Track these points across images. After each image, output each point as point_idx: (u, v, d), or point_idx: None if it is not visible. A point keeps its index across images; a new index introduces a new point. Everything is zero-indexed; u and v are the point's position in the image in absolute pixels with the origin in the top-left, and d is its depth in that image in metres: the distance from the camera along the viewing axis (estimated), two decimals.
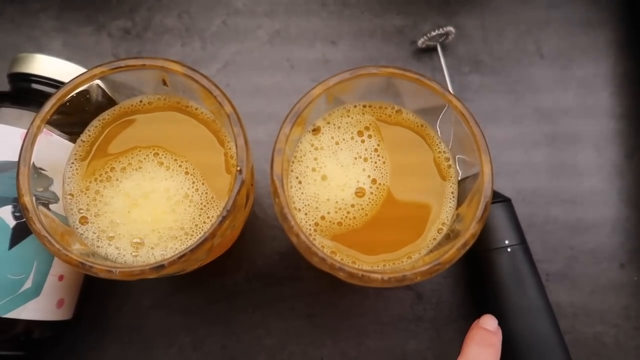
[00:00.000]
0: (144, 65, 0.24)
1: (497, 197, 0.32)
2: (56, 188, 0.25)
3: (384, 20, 0.38)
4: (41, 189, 0.24)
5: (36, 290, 0.27)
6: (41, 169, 0.24)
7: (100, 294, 0.33)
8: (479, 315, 0.33)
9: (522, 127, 0.36)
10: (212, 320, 0.33)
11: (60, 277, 0.28)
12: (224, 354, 0.33)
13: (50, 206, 0.24)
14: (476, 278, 0.32)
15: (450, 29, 0.35)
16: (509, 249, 0.31)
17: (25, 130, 0.27)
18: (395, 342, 0.33)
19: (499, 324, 0.29)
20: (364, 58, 0.38)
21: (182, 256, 0.22)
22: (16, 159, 0.27)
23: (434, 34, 0.35)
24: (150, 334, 0.33)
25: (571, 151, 0.36)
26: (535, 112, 0.37)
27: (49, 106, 0.23)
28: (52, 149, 0.24)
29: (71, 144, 0.26)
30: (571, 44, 0.38)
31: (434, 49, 0.37)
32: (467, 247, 0.23)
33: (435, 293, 0.34)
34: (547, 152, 0.36)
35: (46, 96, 0.29)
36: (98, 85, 0.25)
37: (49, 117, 0.23)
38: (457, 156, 0.26)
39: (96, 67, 0.24)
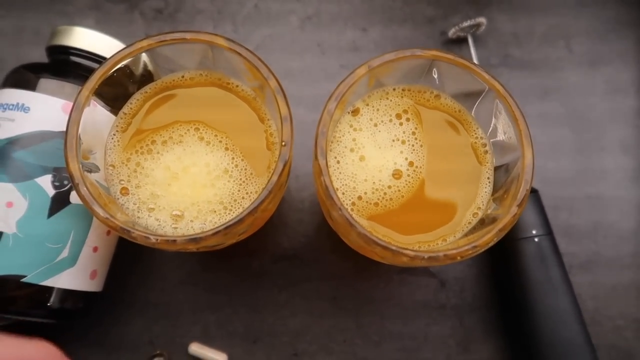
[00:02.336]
0: (189, 38, 0.24)
1: None
2: (98, 159, 0.25)
3: (415, 9, 0.38)
4: (85, 159, 0.24)
5: (72, 260, 0.27)
6: (85, 139, 0.24)
7: (128, 269, 0.33)
8: (502, 304, 0.33)
9: (549, 121, 0.37)
10: (237, 299, 0.34)
11: (95, 249, 0.28)
12: (248, 333, 0.33)
13: (93, 176, 0.24)
14: (502, 267, 0.32)
15: (482, 20, 0.35)
16: (536, 239, 0.31)
17: (64, 101, 0.28)
18: (417, 327, 0.34)
19: (525, 313, 0.30)
20: (394, 46, 0.38)
21: (220, 230, 0.22)
22: (55, 129, 0.27)
23: (465, 24, 0.35)
24: (175, 311, 0.33)
25: (597, 149, 0.36)
26: (562, 107, 0.37)
27: (97, 77, 0.24)
28: (96, 120, 0.25)
29: (113, 116, 0.26)
30: (600, 41, 0.38)
31: (464, 40, 0.37)
32: (505, 232, 0.23)
33: (459, 281, 0.34)
34: (574, 147, 0.36)
35: (84, 68, 0.30)
36: (142, 59, 0.25)
37: (96, 88, 0.24)
38: (493, 142, 0.26)
39: (143, 39, 0.24)
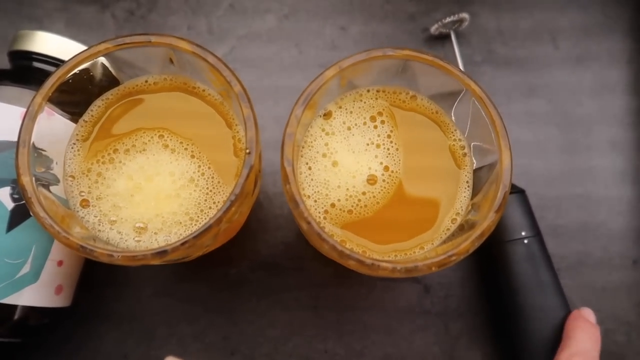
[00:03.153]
0: (151, 42, 0.23)
1: (512, 188, 0.31)
2: (57, 170, 0.24)
3: (396, 6, 0.37)
4: (41, 170, 0.23)
5: (34, 276, 0.26)
6: (41, 149, 0.23)
7: (99, 282, 0.32)
8: (490, 309, 0.32)
9: (535, 118, 0.35)
10: (214, 310, 0.32)
11: (60, 263, 0.27)
12: (226, 345, 0.32)
13: (51, 188, 0.23)
14: (491, 271, 0.31)
15: (465, 15, 0.34)
16: (525, 241, 0.30)
17: (23, 109, 0.26)
18: (401, 335, 0.33)
19: (516, 316, 0.29)
20: (374, 44, 0.36)
21: (186, 242, 0.21)
22: (14, 139, 0.26)
23: (447, 20, 0.34)
24: (150, 324, 0.32)
25: (585, 145, 0.35)
26: (549, 104, 0.36)
27: (51, 83, 0.22)
28: (54, 128, 0.23)
29: (73, 124, 0.25)
30: (587, 34, 0.37)
31: (447, 36, 0.36)
32: (484, 238, 0.22)
33: (444, 286, 0.33)
34: (561, 145, 0.35)
35: (47, 75, 0.29)
36: (102, 63, 0.24)
37: (50, 95, 0.22)
38: (472, 144, 0.25)
39: (100, 43, 0.23)
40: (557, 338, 0.28)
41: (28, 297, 0.26)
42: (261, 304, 0.33)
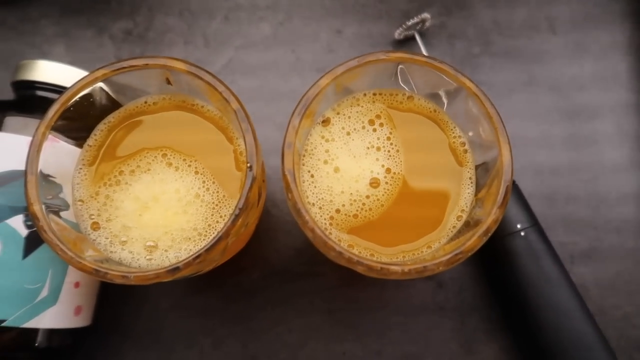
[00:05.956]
0: (147, 65, 0.23)
1: None
2: (66, 195, 0.24)
3: (390, 5, 0.37)
4: (51, 197, 0.23)
5: (53, 299, 0.27)
6: (49, 176, 0.23)
7: (117, 299, 0.33)
8: (501, 303, 0.32)
9: (538, 106, 0.35)
10: (231, 319, 0.33)
11: (77, 284, 0.28)
12: (245, 353, 0.32)
13: (61, 213, 0.24)
14: (493, 266, 0.31)
15: (426, 15, 0.34)
16: (522, 233, 0.30)
17: (30, 138, 0.27)
18: (417, 332, 0.33)
19: (526, 309, 0.29)
20: (371, 45, 0.37)
21: (196, 257, 0.22)
22: (22, 168, 0.27)
23: (410, 23, 0.34)
24: (169, 337, 0.33)
25: (590, 127, 0.35)
26: (551, 90, 0.35)
27: (53, 112, 0.23)
28: (59, 155, 0.24)
29: (78, 150, 0.25)
30: (584, 17, 0.36)
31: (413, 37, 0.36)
32: (490, 234, 0.22)
33: (456, 282, 0.33)
34: (565, 130, 0.35)
35: (51, 102, 0.29)
36: (101, 88, 0.25)
37: (53, 124, 0.23)
38: (472, 140, 0.25)
39: (98, 69, 0.24)
40: (567, 326, 0.28)
41: (49, 319, 0.26)
42: (276, 310, 0.33)
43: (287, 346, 0.33)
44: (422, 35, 0.35)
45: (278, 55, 0.37)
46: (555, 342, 0.28)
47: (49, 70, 0.29)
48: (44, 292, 0.26)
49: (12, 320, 0.25)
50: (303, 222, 0.21)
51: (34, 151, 0.22)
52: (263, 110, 0.35)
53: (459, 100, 0.24)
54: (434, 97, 0.26)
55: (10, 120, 0.28)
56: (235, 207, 0.21)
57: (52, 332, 0.27)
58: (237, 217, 0.21)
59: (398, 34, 0.35)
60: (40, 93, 0.29)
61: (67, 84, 0.29)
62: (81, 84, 0.23)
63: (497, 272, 0.31)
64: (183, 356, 0.33)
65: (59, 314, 0.27)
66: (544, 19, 0.36)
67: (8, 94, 0.31)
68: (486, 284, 0.33)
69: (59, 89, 0.29)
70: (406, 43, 0.36)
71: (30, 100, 0.29)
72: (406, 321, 0.33)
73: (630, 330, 0.32)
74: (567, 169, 0.34)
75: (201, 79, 0.23)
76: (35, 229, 0.26)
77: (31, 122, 0.28)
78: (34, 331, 0.26)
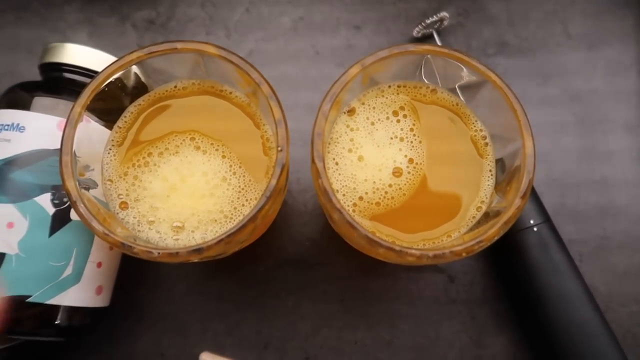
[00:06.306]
0: (180, 48, 0.24)
1: None
2: (95, 174, 0.25)
3: (408, 3, 0.38)
4: (81, 175, 0.24)
5: (76, 277, 0.27)
6: (80, 155, 0.24)
7: (134, 282, 0.33)
8: (511, 297, 0.33)
9: (551, 108, 0.36)
10: (245, 306, 0.33)
11: (99, 264, 0.28)
12: (259, 339, 0.33)
13: (91, 191, 0.24)
14: (505, 262, 0.32)
15: (445, 14, 0.35)
16: (535, 229, 0.30)
17: (59, 119, 0.27)
18: (428, 324, 0.33)
19: (536, 304, 0.29)
20: (389, 42, 0.37)
21: (223, 238, 0.22)
22: (51, 147, 0.27)
23: (428, 21, 0.35)
24: (184, 321, 0.33)
25: (601, 133, 0.35)
26: (564, 94, 0.36)
27: (88, 92, 0.23)
28: (91, 135, 0.24)
29: (108, 131, 0.26)
30: (598, 23, 0.37)
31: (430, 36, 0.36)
32: (510, 225, 0.23)
33: (468, 275, 0.34)
34: (577, 134, 0.35)
35: (77, 85, 0.30)
36: (133, 72, 0.25)
37: (88, 103, 0.23)
38: (493, 134, 0.26)
39: (132, 52, 0.24)
40: (577, 321, 0.29)
41: (72, 297, 0.27)
42: (290, 298, 0.34)
43: (299, 333, 0.33)
44: (439, 34, 0.36)
45: (298, 49, 0.37)
46: (565, 336, 0.29)
47: (77, 54, 0.30)
48: (68, 270, 0.27)
49: (36, 296, 0.26)
50: (331, 205, 0.22)
51: (70, 129, 0.23)
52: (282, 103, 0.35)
53: (483, 94, 0.25)
54: (454, 91, 0.27)
55: (39, 100, 0.28)
56: (266, 188, 0.22)
57: (73, 311, 0.27)
58: (267, 199, 0.22)
59: (417, 31, 0.36)
60: (67, 75, 0.30)
61: (94, 67, 0.30)
62: (116, 65, 0.24)
63: (510, 267, 0.31)
64: (197, 340, 0.33)
65: (81, 293, 0.27)
66: (558, 23, 0.37)
67: (32, 77, 0.32)
68: (496, 279, 0.34)
69: (86, 72, 0.30)
70: (424, 41, 0.37)
71: (57, 82, 0.30)
72: (417, 313, 0.33)
73: (636, 327, 0.33)
74: (579, 166, 0.35)
75: (233, 63, 0.24)
76: (61, 207, 0.27)
77: (59, 103, 0.28)
78: (56, 308, 0.26)
